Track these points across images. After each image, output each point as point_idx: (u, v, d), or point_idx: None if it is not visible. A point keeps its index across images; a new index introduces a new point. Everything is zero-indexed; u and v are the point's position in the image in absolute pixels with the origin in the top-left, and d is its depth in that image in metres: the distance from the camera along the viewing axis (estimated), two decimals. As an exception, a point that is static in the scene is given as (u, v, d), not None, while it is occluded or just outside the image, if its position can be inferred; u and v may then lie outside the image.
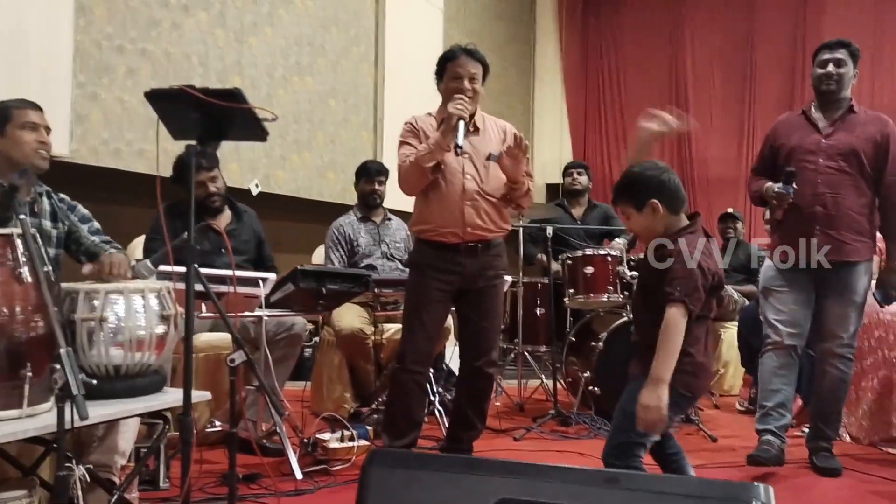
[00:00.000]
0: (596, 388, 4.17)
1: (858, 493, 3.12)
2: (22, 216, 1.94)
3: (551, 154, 10.45)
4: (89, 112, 5.02)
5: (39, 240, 2.03)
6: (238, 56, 6.26)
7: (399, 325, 3.69)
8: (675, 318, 2.20)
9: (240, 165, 5.84)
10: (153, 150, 5.21)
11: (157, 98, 1.93)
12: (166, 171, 3.86)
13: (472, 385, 3.28)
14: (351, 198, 5.11)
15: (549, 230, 4.24)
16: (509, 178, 3.16)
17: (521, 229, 4.51)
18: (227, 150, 5.55)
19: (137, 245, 3.85)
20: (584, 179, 5.15)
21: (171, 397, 2.26)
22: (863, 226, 3.35)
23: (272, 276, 3.15)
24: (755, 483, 1.38)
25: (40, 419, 1.95)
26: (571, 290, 4.33)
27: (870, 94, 8.02)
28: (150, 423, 2.68)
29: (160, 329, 2.24)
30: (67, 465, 1.82)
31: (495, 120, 3.37)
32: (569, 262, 4.36)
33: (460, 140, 2.99)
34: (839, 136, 3.40)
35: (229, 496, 2.37)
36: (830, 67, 3.41)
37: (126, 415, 2.14)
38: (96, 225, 2.78)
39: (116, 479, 2.35)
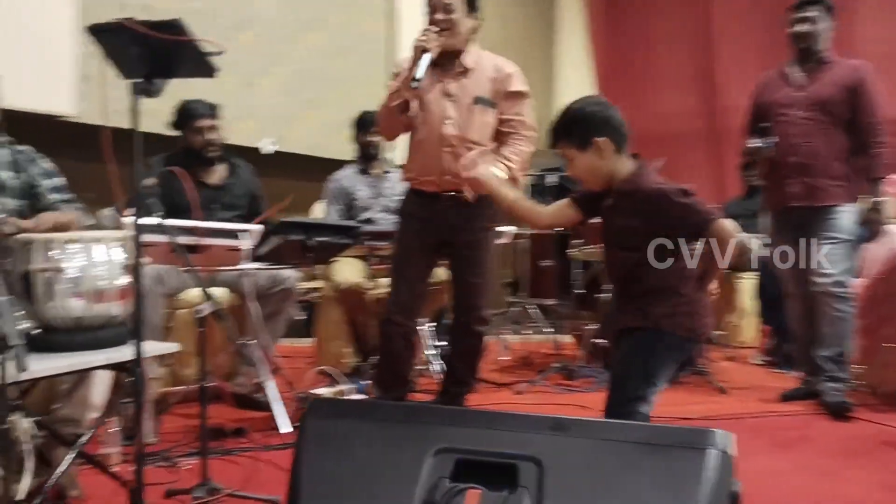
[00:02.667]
0: (604, 341, 4.05)
1: (868, 443, 2.98)
2: None
3: (575, 105, 10.20)
4: (97, 72, 4.95)
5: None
6: (248, 12, 6.15)
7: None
8: (724, 229, 2.07)
9: (253, 123, 5.75)
10: (161, 109, 5.16)
11: (100, 33, 1.82)
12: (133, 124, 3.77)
13: (462, 342, 3.17)
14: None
15: (552, 178, 4.09)
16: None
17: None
18: (242, 109, 5.46)
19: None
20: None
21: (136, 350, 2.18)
22: (840, 171, 3.47)
23: (256, 228, 3.06)
24: (712, 429, 1.28)
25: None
26: (577, 241, 4.19)
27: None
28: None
29: (123, 280, 2.16)
30: (11, 418, 1.76)
31: (494, 57, 3.14)
32: (574, 211, 4.21)
33: (419, 74, 2.82)
34: (812, 87, 3.53)
35: (201, 449, 2.32)
36: (806, 26, 3.53)
37: (83, 367, 2.06)
38: (58, 182, 2.65)
39: (85, 434, 2.30)
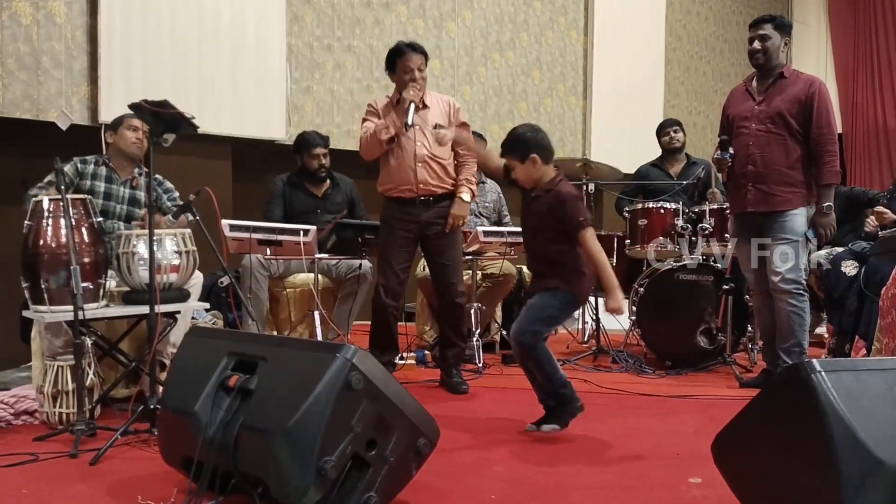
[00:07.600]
0: (637, 330, 4.72)
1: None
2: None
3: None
4: (304, 103, 6.56)
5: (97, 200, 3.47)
6: (437, 41, 7.42)
7: (468, 271, 4.79)
8: (594, 238, 3.11)
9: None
10: (358, 131, 6.61)
11: (133, 108, 3.15)
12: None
13: (449, 313, 4.17)
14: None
15: (591, 186, 4.82)
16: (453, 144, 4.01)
17: (586, 185, 5.00)
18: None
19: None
20: (680, 137, 5.51)
21: (181, 305, 3.53)
22: (794, 178, 3.92)
23: (313, 229, 4.29)
24: (348, 346, 2.25)
25: (104, 311, 3.41)
26: (628, 241, 4.88)
27: None
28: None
29: (175, 260, 3.50)
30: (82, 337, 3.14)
31: (440, 96, 4.24)
32: (626, 215, 4.91)
33: (410, 120, 3.93)
34: (768, 101, 4.00)
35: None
36: (756, 44, 4.00)
37: (137, 312, 3.44)
38: (174, 195, 4.12)
39: (167, 362, 3.67)
